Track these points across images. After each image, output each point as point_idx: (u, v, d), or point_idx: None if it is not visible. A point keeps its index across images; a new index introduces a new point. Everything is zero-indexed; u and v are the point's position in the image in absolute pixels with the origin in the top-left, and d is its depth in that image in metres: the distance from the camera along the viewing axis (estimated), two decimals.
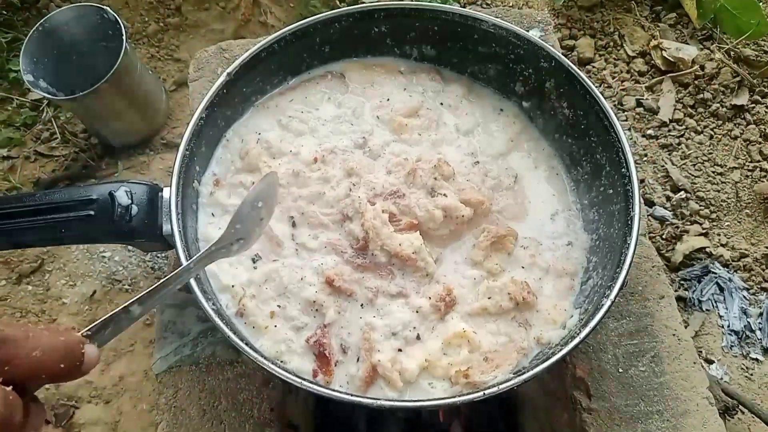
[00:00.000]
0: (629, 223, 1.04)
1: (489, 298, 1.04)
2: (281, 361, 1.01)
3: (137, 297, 0.73)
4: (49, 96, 1.59)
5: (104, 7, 1.64)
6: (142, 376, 1.50)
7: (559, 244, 1.16)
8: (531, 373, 0.92)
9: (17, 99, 1.91)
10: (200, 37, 1.98)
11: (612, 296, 0.97)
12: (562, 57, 1.19)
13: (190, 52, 1.97)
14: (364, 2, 1.89)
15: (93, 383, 1.50)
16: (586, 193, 1.20)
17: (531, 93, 1.27)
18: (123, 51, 1.55)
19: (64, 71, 1.70)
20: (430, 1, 1.70)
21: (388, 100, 1.26)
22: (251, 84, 1.21)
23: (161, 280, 0.76)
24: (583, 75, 1.16)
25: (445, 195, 1.11)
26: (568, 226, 1.19)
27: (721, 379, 1.50)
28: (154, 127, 1.81)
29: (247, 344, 0.94)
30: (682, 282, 1.63)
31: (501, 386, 0.91)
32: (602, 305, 0.97)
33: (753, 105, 1.85)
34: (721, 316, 1.60)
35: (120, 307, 0.72)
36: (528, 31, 1.44)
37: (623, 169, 1.09)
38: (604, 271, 1.07)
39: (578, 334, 0.96)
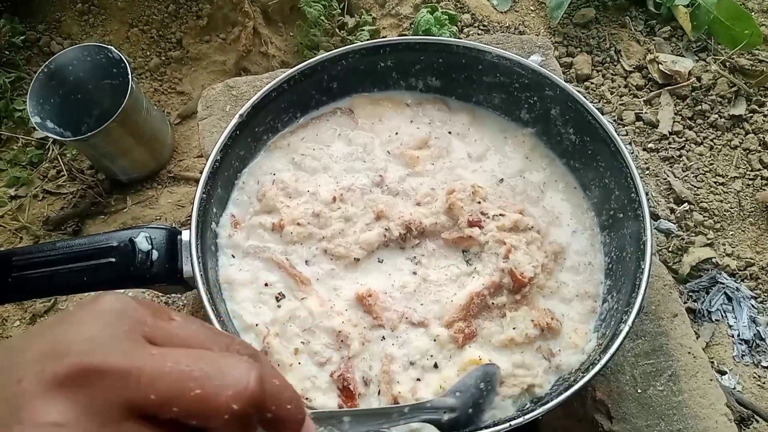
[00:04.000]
0: (642, 247, 1.06)
1: (514, 328, 1.06)
2: (307, 398, 1.02)
3: (352, 410, 0.66)
4: (58, 137, 1.61)
5: (108, 46, 1.66)
6: None
7: (581, 263, 1.18)
8: (555, 401, 0.94)
9: (23, 138, 1.92)
10: (202, 69, 2.00)
11: (630, 321, 0.99)
12: (567, 85, 1.21)
13: (193, 85, 1.99)
14: (361, 31, 1.92)
15: None
16: (596, 216, 1.22)
17: (537, 120, 1.29)
18: (129, 91, 1.57)
19: (70, 110, 1.72)
20: (433, 34, 1.73)
21: (396, 134, 1.29)
22: (263, 123, 1.23)
23: (375, 408, 0.70)
24: (588, 102, 1.19)
25: (502, 214, 1.13)
26: (591, 245, 1.20)
27: (734, 389, 1.52)
28: (161, 161, 1.83)
29: None
30: (690, 294, 1.65)
31: (527, 416, 0.93)
32: (620, 330, 0.99)
33: (751, 114, 1.88)
34: (730, 326, 1.62)
35: (335, 411, 0.64)
36: (529, 56, 1.47)
37: (632, 194, 1.11)
38: (618, 294, 1.09)
39: (598, 360, 0.98)
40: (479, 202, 1.15)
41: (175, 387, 0.39)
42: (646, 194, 1.12)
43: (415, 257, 1.15)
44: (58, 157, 1.89)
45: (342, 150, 1.27)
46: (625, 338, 0.98)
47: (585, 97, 1.22)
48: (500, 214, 1.13)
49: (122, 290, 1.61)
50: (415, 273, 1.13)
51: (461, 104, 1.35)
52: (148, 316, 0.44)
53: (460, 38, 1.92)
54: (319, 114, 1.31)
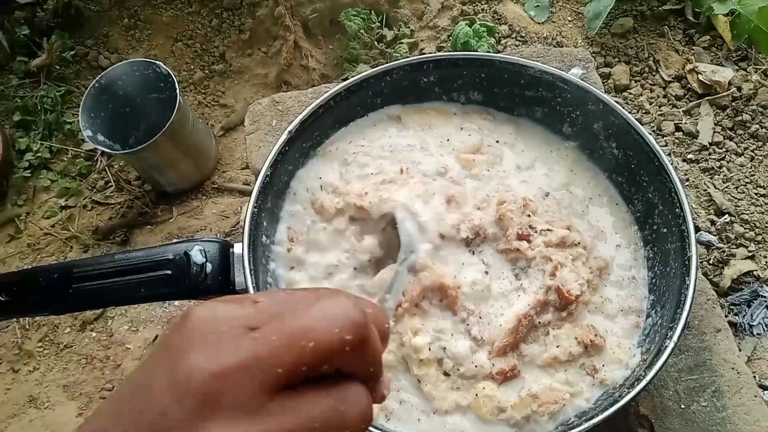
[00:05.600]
0: (687, 263, 1.07)
1: (557, 346, 1.07)
2: None
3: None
4: (108, 150, 1.67)
5: (156, 61, 1.71)
6: None
7: (625, 277, 1.19)
8: (601, 417, 0.96)
9: (72, 150, 1.99)
10: (244, 83, 2.04)
11: (675, 337, 1.00)
12: (610, 99, 1.22)
13: (236, 97, 2.04)
14: (399, 43, 1.95)
15: None
16: (639, 231, 1.23)
17: (579, 134, 1.30)
18: (177, 105, 1.62)
19: (119, 124, 1.78)
20: (471, 47, 1.75)
21: (448, 140, 1.30)
22: (310, 138, 1.26)
23: None
24: (631, 117, 1.20)
25: (549, 230, 1.15)
26: (634, 259, 1.21)
27: None
28: (206, 172, 1.88)
29: None
30: (731, 307, 1.64)
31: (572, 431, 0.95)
32: (666, 346, 1.00)
33: None
34: None
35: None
36: (569, 69, 1.48)
37: (677, 209, 1.12)
38: (663, 309, 1.10)
39: (643, 376, 0.99)
40: (529, 216, 1.16)
41: (293, 352, 0.42)
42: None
43: (483, 260, 1.15)
44: (106, 168, 1.95)
45: (397, 142, 1.28)
46: (670, 354, 0.98)
47: (624, 108, 1.22)
48: (548, 230, 1.15)
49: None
50: (486, 273, 1.14)
51: (505, 116, 1.36)
52: (236, 310, 0.46)
53: (498, 50, 1.94)
54: (366, 120, 1.33)
